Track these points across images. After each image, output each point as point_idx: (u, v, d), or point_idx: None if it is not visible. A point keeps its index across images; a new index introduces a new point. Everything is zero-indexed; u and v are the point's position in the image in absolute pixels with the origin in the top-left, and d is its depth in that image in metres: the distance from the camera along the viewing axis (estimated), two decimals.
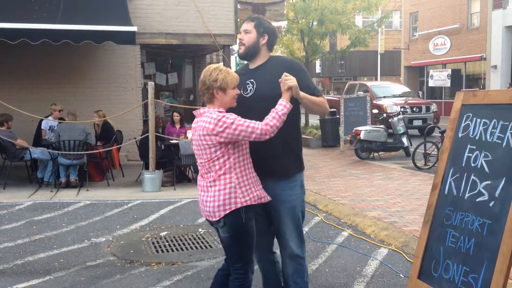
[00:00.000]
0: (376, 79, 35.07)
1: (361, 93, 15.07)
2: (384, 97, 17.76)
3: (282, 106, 2.89)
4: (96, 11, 9.29)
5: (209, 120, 2.84)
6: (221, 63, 3.20)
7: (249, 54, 3.18)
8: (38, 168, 8.71)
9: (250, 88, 3.15)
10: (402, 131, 11.84)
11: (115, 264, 4.73)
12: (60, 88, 10.67)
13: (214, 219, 2.93)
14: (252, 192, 2.95)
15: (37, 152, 8.47)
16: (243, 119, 2.83)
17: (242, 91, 3.14)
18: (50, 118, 9.23)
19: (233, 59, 36.80)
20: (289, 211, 3.22)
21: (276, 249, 3.43)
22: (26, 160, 8.66)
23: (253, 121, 2.83)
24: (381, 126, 12.06)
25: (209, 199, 2.92)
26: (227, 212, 2.88)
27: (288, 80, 2.91)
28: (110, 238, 5.57)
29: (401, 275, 4.34)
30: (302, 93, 3.00)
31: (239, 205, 2.88)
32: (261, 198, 3.00)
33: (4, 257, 4.91)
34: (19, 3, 9.05)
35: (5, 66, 10.42)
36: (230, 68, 12.50)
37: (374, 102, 16.74)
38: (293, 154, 3.20)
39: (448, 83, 25.70)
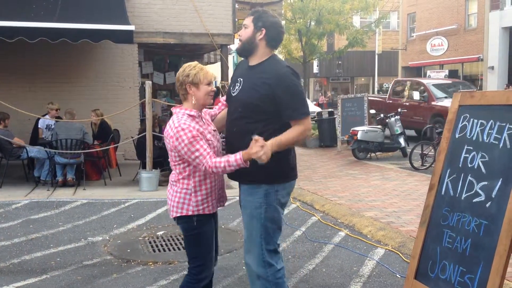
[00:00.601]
0: (373, 80, 35.15)
1: (359, 94, 15.05)
2: (446, 97, 14.37)
3: (236, 162, 2.70)
4: (93, 10, 9.27)
5: (172, 125, 2.80)
6: (196, 62, 3.09)
7: (245, 49, 2.98)
8: (35, 167, 8.69)
9: (237, 86, 3.02)
10: (399, 132, 11.86)
11: (112, 263, 4.73)
12: (57, 87, 10.65)
13: (171, 216, 3.02)
14: (208, 202, 2.91)
15: (34, 151, 8.45)
16: (199, 145, 2.72)
17: (231, 88, 3.06)
18: (47, 117, 9.21)
19: (231, 59, 36.79)
20: (247, 219, 2.98)
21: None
22: (23, 159, 8.64)
23: (205, 152, 2.73)
24: (378, 126, 12.08)
25: (169, 196, 3.00)
26: (179, 215, 2.92)
27: (259, 152, 2.63)
28: (107, 237, 5.56)
29: (397, 275, 4.35)
30: (272, 146, 2.72)
31: (190, 213, 2.89)
32: (215, 208, 2.99)
33: (1, 256, 4.89)
34: (17, 1, 9.02)
35: (2, 64, 10.39)
36: (228, 67, 12.50)
37: (434, 104, 14.14)
38: (262, 164, 2.77)
39: None
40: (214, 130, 3.01)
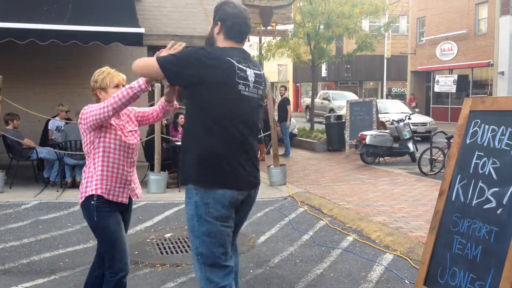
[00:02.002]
0: (382, 84, 35.04)
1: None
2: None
3: (137, 83, 2.81)
4: (104, 13, 9.33)
5: (82, 111, 3.02)
6: (106, 67, 3.12)
7: (207, 45, 2.79)
8: (44, 168, 8.74)
9: None
10: (408, 136, 11.82)
11: None
12: (67, 89, 10.72)
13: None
14: (109, 187, 3.00)
15: (44, 152, 8.50)
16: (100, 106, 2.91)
17: None
18: (57, 118, 9.27)
19: None
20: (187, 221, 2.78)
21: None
22: (33, 160, 8.70)
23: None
24: (387, 131, 12.04)
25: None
26: (81, 200, 3.04)
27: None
28: None
29: (406, 281, 4.32)
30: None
31: (89, 193, 2.99)
32: (119, 197, 3.06)
33: (10, 256, 4.92)
34: (28, 3, 9.10)
35: (13, 66, 10.47)
36: None
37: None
38: (188, 163, 2.65)
39: (453, 89, 25.61)
40: (131, 131, 3.14)
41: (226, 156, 2.60)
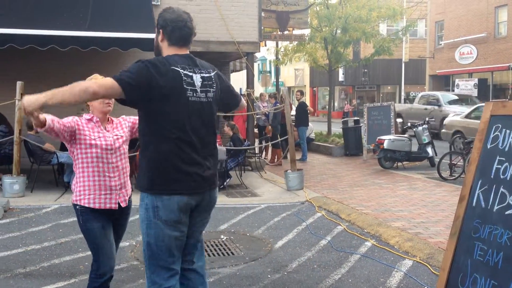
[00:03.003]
0: (400, 88, 34.78)
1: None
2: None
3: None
4: (122, 19, 9.44)
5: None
6: (97, 74, 3.16)
7: (156, 54, 2.82)
8: (64, 172, 8.86)
9: None
10: (427, 141, 11.70)
11: (139, 269, 4.77)
12: None
13: None
14: (89, 195, 3.16)
15: (64, 157, 8.61)
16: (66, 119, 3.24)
17: None
18: None
19: (256, 66, 36.93)
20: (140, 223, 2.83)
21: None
22: (53, 164, 8.82)
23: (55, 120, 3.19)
24: (405, 135, 11.93)
25: None
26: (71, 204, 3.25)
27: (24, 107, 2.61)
28: (134, 243, 5.63)
29: (426, 287, 4.27)
30: (45, 95, 2.64)
31: (73, 202, 3.21)
32: (101, 204, 3.19)
33: (31, 259, 5.00)
34: (49, 10, 9.26)
35: (34, 72, 10.65)
36: (253, 75, 12.55)
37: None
38: (141, 168, 2.74)
39: (475, 93, 25.28)
40: (117, 136, 3.30)
41: (175, 162, 2.64)
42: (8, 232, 5.97)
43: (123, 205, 3.29)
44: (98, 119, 3.29)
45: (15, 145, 8.03)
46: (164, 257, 2.71)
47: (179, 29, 2.71)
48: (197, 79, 2.70)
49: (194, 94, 2.68)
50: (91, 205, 3.15)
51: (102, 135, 3.24)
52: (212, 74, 2.81)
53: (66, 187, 8.61)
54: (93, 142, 3.17)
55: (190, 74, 2.69)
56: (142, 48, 9.02)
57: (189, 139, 2.66)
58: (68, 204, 7.45)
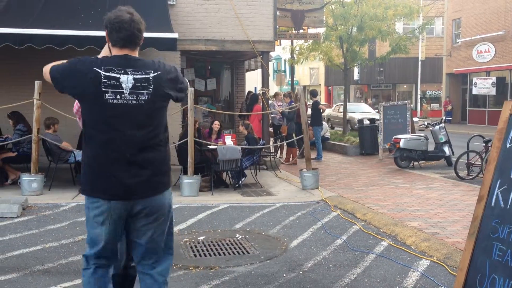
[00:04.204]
0: (416, 87, 34.47)
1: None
2: None
3: None
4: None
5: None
6: None
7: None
8: (81, 171, 8.95)
9: None
10: (443, 140, 11.58)
11: None
12: None
13: None
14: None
15: (81, 155, 8.71)
16: None
17: None
18: None
19: (271, 65, 36.87)
20: None
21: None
22: (71, 163, 8.92)
23: None
24: (422, 134, 11.83)
25: None
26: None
27: None
28: None
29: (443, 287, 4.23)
30: None
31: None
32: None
33: (49, 257, 5.06)
34: (66, 10, 9.37)
35: None
36: (268, 74, 12.53)
37: None
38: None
39: (493, 91, 24.95)
40: None
41: (98, 166, 2.70)
42: (27, 230, 6.06)
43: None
44: None
45: (33, 143, 8.14)
46: (91, 253, 2.85)
47: (116, 30, 2.70)
48: (127, 80, 2.65)
49: (118, 97, 2.64)
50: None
51: None
52: (151, 75, 2.71)
53: None
54: None
55: (117, 76, 2.64)
56: (158, 47, 9.07)
57: (113, 142, 2.66)
58: None
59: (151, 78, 2.70)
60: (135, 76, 2.67)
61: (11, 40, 8.22)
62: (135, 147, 2.68)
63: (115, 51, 2.75)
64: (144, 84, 2.68)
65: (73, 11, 9.37)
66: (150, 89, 2.69)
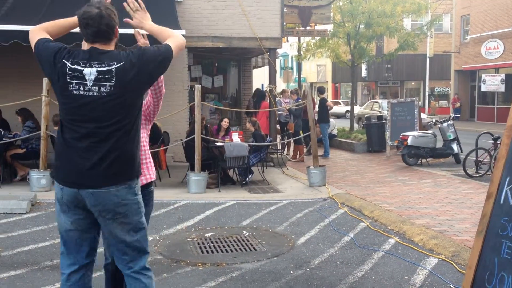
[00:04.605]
0: (424, 84, 34.29)
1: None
2: None
3: None
4: None
5: None
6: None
7: None
8: None
9: None
10: (452, 137, 11.51)
11: (162, 263, 4.82)
12: None
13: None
14: None
15: None
16: None
17: None
18: None
19: (278, 62, 36.81)
20: None
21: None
22: None
23: None
24: (430, 131, 11.76)
25: None
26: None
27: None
28: (157, 237, 5.68)
29: (451, 286, 4.20)
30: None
31: None
32: None
33: (58, 252, 5.04)
34: (73, 7, 9.38)
35: None
36: (276, 71, 12.51)
37: None
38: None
39: (502, 88, 24.76)
40: None
41: (60, 153, 2.78)
42: (36, 226, 6.10)
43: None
44: None
45: (42, 140, 8.19)
46: (62, 245, 2.86)
47: (83, 26, 2.76)
48: (90, 73, 2.69)
49: (81, 88, 2.68)
50: None
51: None
52: (113, 67, 2.70)
53: None
54: None
55: (81, 68, 2.69)
56: None
57: (75, 131, 2.71)
58: None
59: (113, 69, 2.69)
60: (98, 69, 2.69)
61: (20, 37, 8.26)
62: (94, 138, 2.69)
63: (86, 45, 2.82)
64: (106, 76, 2.69)
65: (80, 8, 9.38)
66: (113, 81, 2.68)
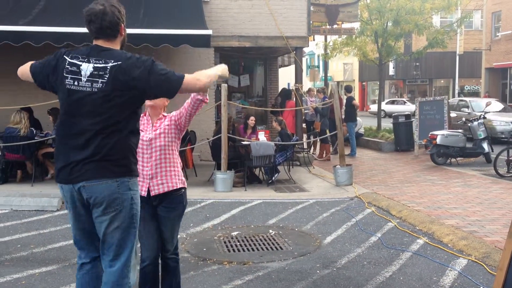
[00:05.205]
0: (454, 82, 33.65)
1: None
2: None
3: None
4: (173, 16, 9.61)
5: None
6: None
7: None
8: None
9: None
10: (482, 136, 11.26)
11: (189, 261, 4.87)
12: None
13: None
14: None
15: None
16: None
17: None
18: None
19: (304, 61, 36.66)
20: None
21: None
22: None
23: None
24: (460, 130, 11.53)
25: None
26: None
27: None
28: (184, 236, 5.74)
29: (482, 287, 4.12)
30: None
31: None
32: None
33: None
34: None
35: None
36: (302, 70, 12.48)
37: None
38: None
39: None
40: (155, 130, 3.34)
41: (57, 148, 2.81)
42: (66, 223, 6.23)
43: (152, 193, 3.34)
44: (149, 114, 3.46)
45: None
46: (75, 240, 2.93)
47: (87, 22, 2.79)
48: (87, 68, 2.70)
49: (75, 83, 2.71)
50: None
51: (146, 128, 3.39)
52: (110, 64, 2.70)
53: None
54: (141, 133, 3.33)
55: (79, 63, 2.72)
56: (192, 44, 9.16)
57: (69, 127, 2.73)
58: None
59: (108, 67, 2.70)
60: (95, 65, 2.71)
61: (51, 38, 8.45)
62: (85, 133, 2.69)
63: (93, 41, 2.84)
64: (101, 73, 2.70)
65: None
66: (105, 78, 2.68)
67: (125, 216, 2.75)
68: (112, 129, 2.70)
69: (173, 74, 2.77)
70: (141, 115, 3.42)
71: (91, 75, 2.70)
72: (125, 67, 2.69)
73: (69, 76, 2.72)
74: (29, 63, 2.90)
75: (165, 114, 3.48)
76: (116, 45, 2.82)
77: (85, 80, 2.70)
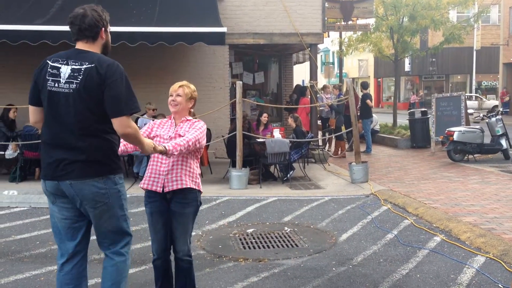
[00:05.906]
0: (471, 77, 33.21)
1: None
2: None
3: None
4: (188, 13, 9.64)
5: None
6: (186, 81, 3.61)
7: None
8: (134, 163, 9.22)
9: None
10: (500, 133, 11.11)
11: (205, 258, 4.90)
12: (154, 88, 11.19)
13: None
14: (144, 177, 3.55)
15: None
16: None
17: None
18: (145, 116, 9.73)
19: (319, 58, 36.50)
20: None
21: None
22: (123, 156, 9.17)
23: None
24: (477, 127, 11.39)
25: None
26: None
27: None
28: (200, 233, 5.77)
29: (500, 285, 4.07)
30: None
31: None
32: (148, 185, 3.50)
33: None
34: (119, 7, 9.62)
35: None
36: (317, 67, 12.42)
37: None
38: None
39: None
40: (177, 131, 3.48)
41: (42, 148, 2.95)
42: None
43: (166, 189, 3.42)
44: (173, 118, 3.61)
45: None
46: (55, 235, 3.03)
47: (69, 25, 2.94)
48: (65, 70, 2.84)
49: (56, 85, 2.84)
50: (143, 185, 3.50)
51: (169, 129, 3.54)
52: (84, 66, 2.81)
53: (136, 178, 8.96)
54: (157, 133, 3.53)
55: (59, 66, 2.86)
56: (207, 42, 9.17)
57: (51, 127, 2.87)
58: (138, 194, 7.75)
59: (83, 69, 2.82)
60: (72, 67, 2.84)
61: (68, 37, 8.52)
62: (65, 132, 2.83)
63: (76, 44, 2.98)
64: (75, 74, 2.82)
65: (126, 8, 9.60)
66: (79, 79, 2.80)
67: (114, 206, 2.95)
68: (91, 129, 2.83)
69: (132, 103, 2.94)
70: (167, 118, 3.64)
71: (69, 76, 2.83)
72: (99, 70, 2.80)
73: (50, 78, 2.86)
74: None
75: (190, 118, 3.59)
76: (95, 49, 2.95)
77: (63, 82, 2.84)
